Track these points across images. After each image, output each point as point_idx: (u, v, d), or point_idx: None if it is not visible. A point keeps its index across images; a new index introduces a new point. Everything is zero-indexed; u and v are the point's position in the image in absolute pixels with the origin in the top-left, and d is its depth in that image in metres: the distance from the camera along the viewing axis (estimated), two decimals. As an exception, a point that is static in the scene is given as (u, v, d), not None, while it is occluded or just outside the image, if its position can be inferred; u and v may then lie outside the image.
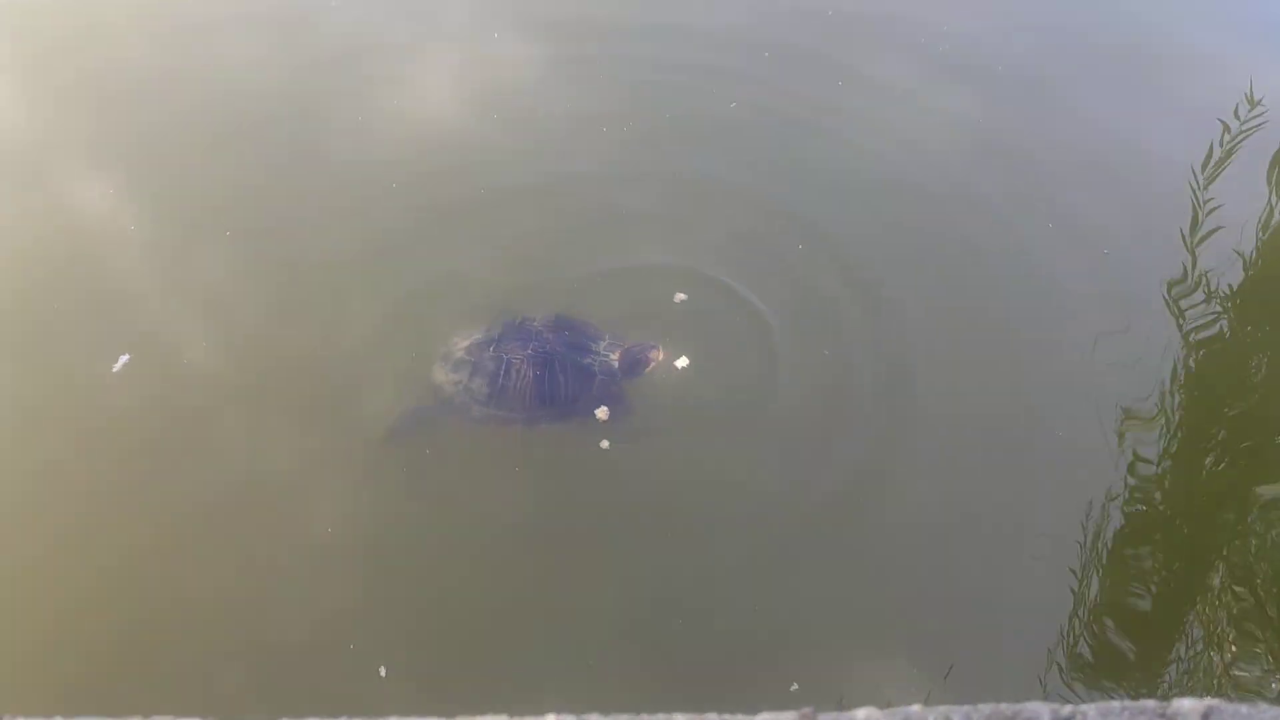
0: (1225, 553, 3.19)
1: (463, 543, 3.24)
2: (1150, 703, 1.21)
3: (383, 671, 2.96)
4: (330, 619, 3.07)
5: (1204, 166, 4.28)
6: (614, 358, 3.58)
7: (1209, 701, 1.22)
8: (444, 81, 4.72)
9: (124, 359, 3.63)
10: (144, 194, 4.22)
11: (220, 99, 4.65)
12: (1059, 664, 2.95)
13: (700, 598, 3.10)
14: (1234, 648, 2.94)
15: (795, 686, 2.88)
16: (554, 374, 3.52)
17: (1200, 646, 2.98)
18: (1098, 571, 3.12)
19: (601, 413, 3.45)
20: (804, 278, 3.89)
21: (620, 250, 3.99)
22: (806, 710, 1.19)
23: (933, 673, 2.92)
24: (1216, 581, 3.11)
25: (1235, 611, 3.02)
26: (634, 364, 3.59)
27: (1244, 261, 3.93)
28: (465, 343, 3.62)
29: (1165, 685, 2.94)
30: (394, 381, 3.61)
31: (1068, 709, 1.20)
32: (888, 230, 4.08)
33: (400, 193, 4.20)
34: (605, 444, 3.40)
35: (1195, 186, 4.20)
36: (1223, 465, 3.42)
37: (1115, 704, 1.21)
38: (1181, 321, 3.73)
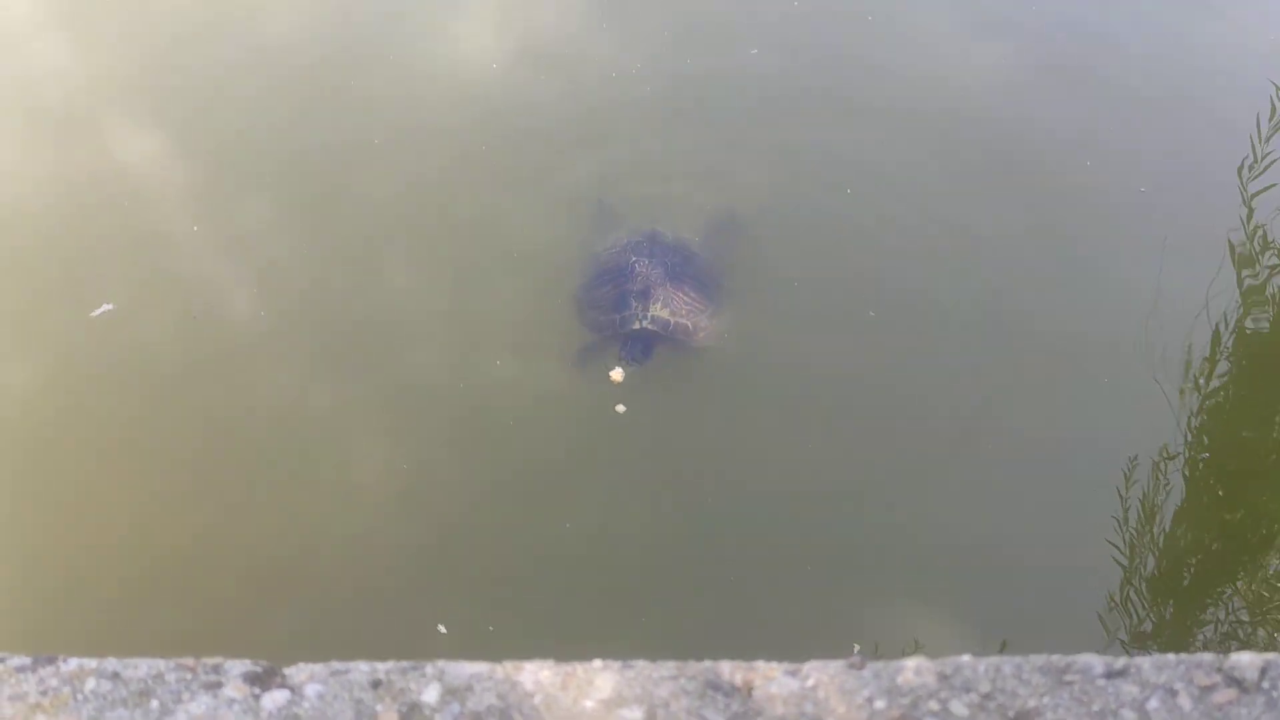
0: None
1: (507, 490, 3.28)
2: (1207, 656, 1.20)
3: (442, 629, 3.01)
4: (382, 571, 3.12)
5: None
6: (669, 314, 3.55)
7: (1268, 656, 1.20)
8: (483, 27, 4.70)
9: (106, 307, 3.63)
10: (185, 140, 4.22)
11: (258, 44, 4.63)
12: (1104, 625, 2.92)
13: (751, 551, 3.11)
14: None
15: (857, 648, 2.87)
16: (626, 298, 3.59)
17: (1247, 616, 2.92)
18: (1150, 535, 3.07)
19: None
20: (848, 230, 3.87)
21: (662, 195, 4.01)
22: (855, 658, 1.20)
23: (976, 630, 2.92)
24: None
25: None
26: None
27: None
28: (607, 245, 3.77)
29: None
30: (434, 326, 3.64)
31: (1121, 662, 1.19)
32: (934, 165, 4.06)
33: (439, 139, 4.21)
34: (621, 409, 3.40)
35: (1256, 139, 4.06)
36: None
37: (1171, 657, 1.19)
38: (1248, 271, 3.62)
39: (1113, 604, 2.95)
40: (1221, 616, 2.96)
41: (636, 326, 3.55)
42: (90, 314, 3.63)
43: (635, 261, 3.68)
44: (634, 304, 3.58)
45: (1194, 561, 3.09)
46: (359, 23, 4.77)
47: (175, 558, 3.15)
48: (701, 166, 4.15)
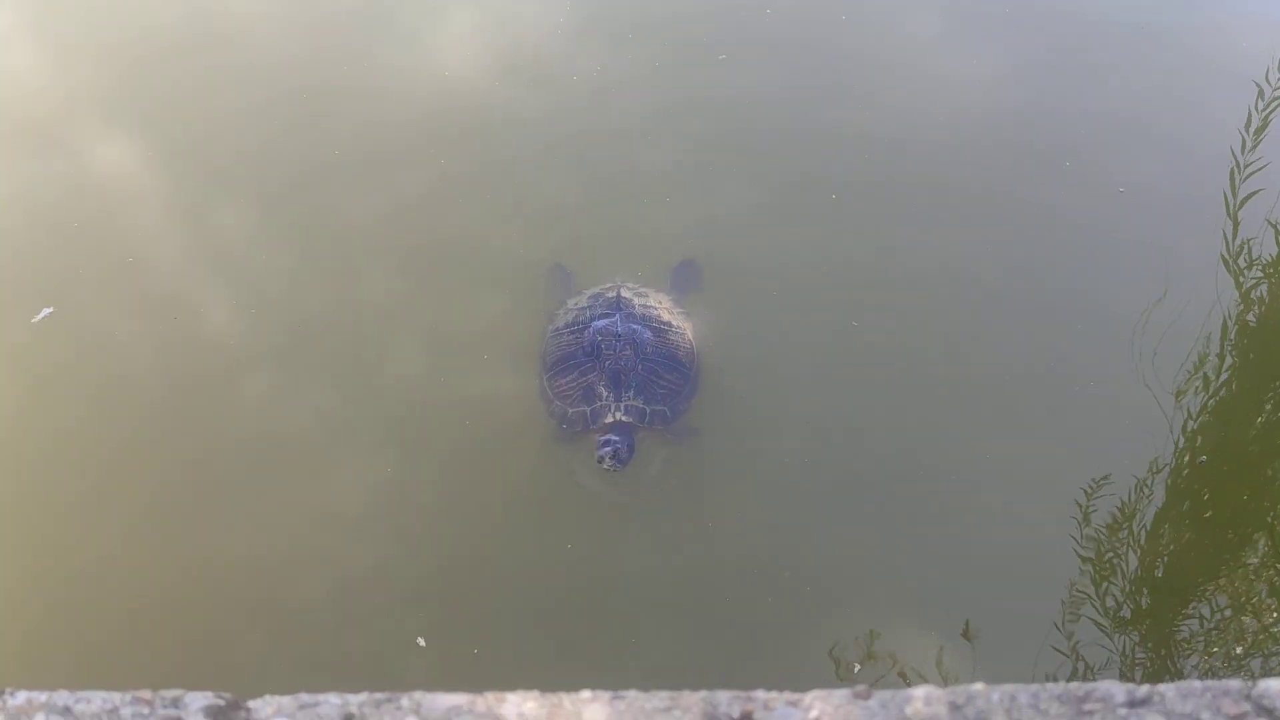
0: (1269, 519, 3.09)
1: (490, 507, 3.17)
2: (1234, 683, 1.13)
3: (421, 642, 2.92)
4: (361, 586, 3.02)
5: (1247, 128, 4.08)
6: (643, 402, 3.28)
7: (1300, 682, 1.13)
8: (461, 41, 4.61)
9: (46, 311, 3.56)
10: (160, 157, 4.13)
11: (234, 60, 4.53)
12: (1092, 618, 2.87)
13: (749, 572, 3.02)
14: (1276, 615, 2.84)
15: (858, 668, 2.80)
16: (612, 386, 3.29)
17: (1229, 613, 2.87)
18: (1132, 535, 3.03)
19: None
20: (830, 247, 3.78)
21: (643, 212, 3.91)
22: (861, 688, 1.12)
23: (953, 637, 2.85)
24: (1259, 549, 3.01)
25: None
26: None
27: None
28: (567, 318, 3.46)
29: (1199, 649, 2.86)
30: (413, 343, 3.55)
31: (1144, 690, 1.12)
32: (911, 185, 3.98)
33: (419, 154, 4.12)
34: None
35: (1236, 151, 3.99)
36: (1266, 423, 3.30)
37: (1196, 684, 1.12)
38: (1241, 280, 3.58)
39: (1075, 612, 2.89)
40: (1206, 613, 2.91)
41: (609, 420, 3.21)
42: (31, 320, 3.56)
43: (601, 341, 3.30)
44: (604, 394, 3.25)
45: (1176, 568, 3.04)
46: (339, 36, 4.67)
47: (134, 573, 3.04)
48: (680, 180, 4.05)
